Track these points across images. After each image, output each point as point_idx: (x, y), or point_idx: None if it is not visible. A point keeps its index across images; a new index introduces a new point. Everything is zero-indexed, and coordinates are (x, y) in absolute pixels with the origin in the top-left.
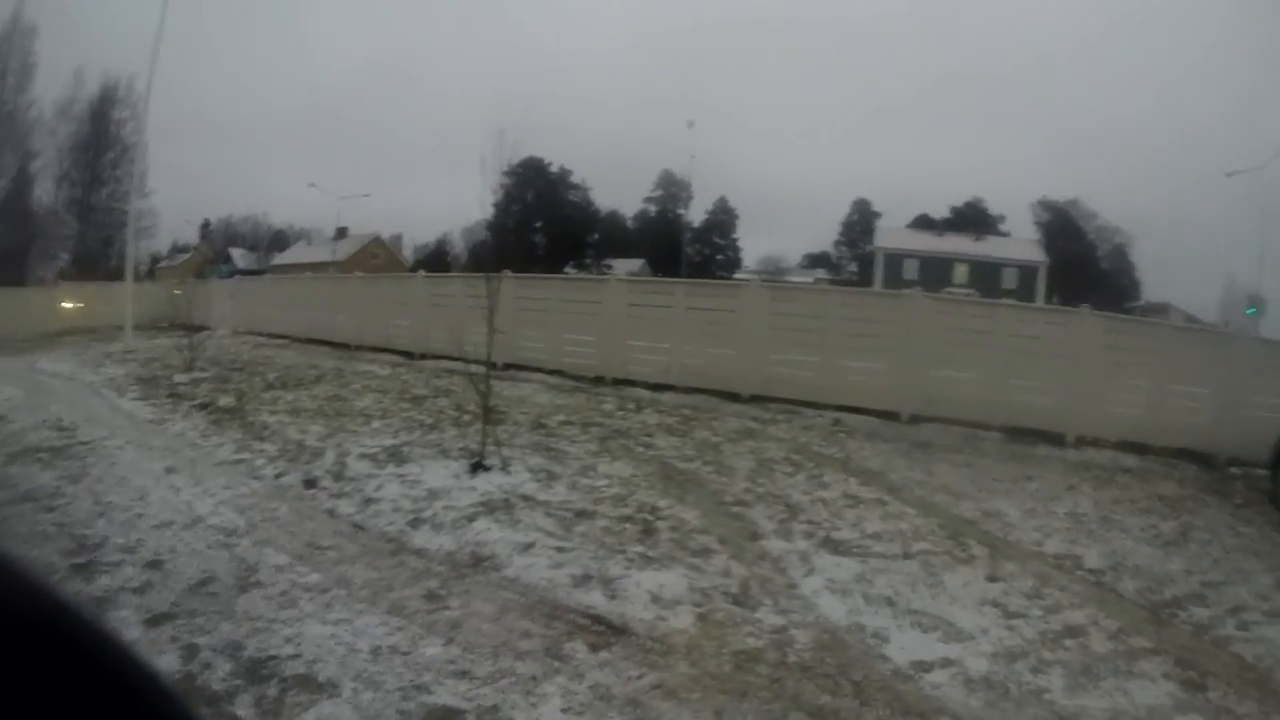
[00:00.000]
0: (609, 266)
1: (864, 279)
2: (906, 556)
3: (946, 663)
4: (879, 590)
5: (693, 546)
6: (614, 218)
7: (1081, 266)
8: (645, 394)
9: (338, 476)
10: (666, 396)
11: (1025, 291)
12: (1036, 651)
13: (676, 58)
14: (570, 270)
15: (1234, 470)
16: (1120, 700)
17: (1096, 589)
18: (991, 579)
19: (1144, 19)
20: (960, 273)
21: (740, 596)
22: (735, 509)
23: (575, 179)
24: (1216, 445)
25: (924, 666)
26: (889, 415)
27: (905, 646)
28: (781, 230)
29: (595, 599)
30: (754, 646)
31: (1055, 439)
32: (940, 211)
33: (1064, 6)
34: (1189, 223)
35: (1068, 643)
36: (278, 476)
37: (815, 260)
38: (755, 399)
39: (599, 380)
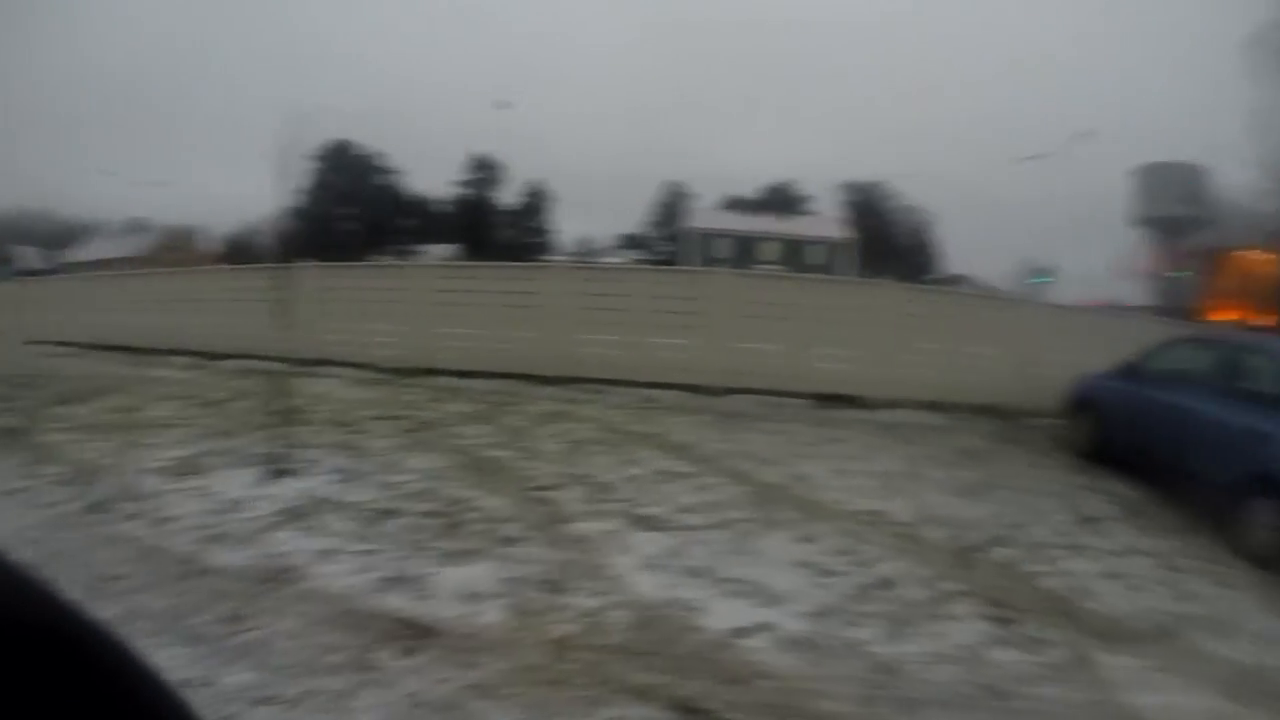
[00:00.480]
0: (420, 252)
1: (677, 259)
2: (719, 526)
3: (764, 627)
4: (693, 562)
5: (502, 536)
6: (428, 202)
7: (885, 243)
8: (454, 382)
9: (130, 496)
10: (476, 383)
11: (833, 267)
12: (852, 606)
13: (494, 33)
14: (380, 258)
15: (1030, 422)
16: (937, 643)
17: (906, 541)
18: (803, 540)
19: (951, 17)
20: (770, 250)
21: (553, 583)
22: (545, 493)
23: (386, 163)
24: (1012, 400)
25: (741, 633)
26: (699, 389)
27: (722, 615)
28: (598, 212)
29: (403, 602)
30: (569, 633)
31: (861, 403)
32: (752, 193)
33: None
34: (986, 202)
35: (882, 595)
36: (64, 503)
37: (629, 241)
38: (566, 380)
39: (407, 370)
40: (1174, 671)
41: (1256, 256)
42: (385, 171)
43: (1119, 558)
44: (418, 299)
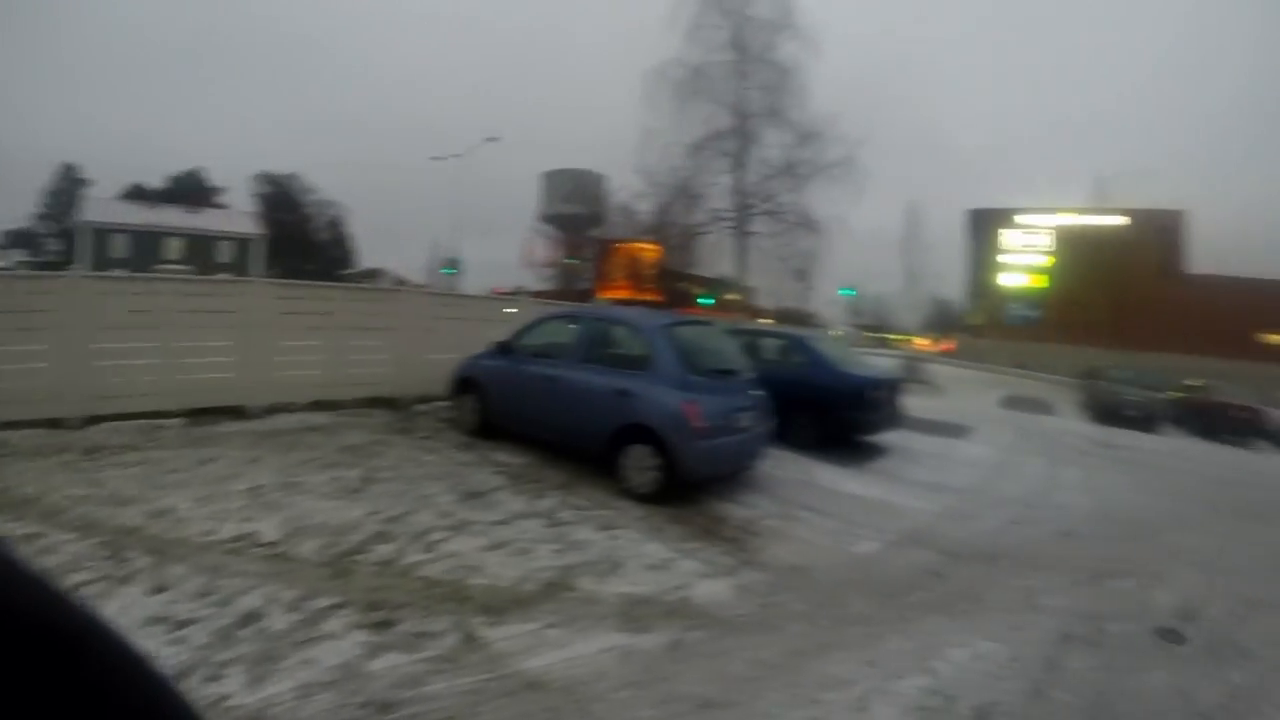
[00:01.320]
0: None
1: (70, 258)
2: None
3: None
4: None
5: None
6: None
7: (299, 237)
8: None
9: None
10: None
11: (242, 264)
12: (209, 657)
13: None
14: None
15: (420, 408)
16: (308, 672)
17: (273, 562)
18: (157, 590)
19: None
20: (175, 247)
21: None
22: None
23: None
24: (402, 389)
25: None
26: (56, 423)
27: None
28: None
29: None
30: None
31: (241, 413)
32: (158, 182)
33: None
34: (407, 198)
35: (243, 634)
36: None
37: (14, 239)
38: None
39: None
40: (566, 625)
41: (637, 247)
42: None
43: (506, 526)
44: None
